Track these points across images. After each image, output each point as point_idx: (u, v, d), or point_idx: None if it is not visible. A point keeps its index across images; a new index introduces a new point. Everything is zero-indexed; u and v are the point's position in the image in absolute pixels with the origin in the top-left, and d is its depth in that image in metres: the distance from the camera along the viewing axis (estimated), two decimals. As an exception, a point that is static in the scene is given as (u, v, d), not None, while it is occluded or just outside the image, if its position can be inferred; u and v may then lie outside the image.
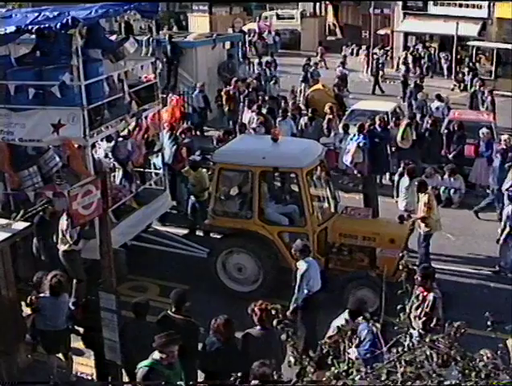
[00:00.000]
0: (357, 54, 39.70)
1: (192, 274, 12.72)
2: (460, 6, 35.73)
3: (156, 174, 14.28)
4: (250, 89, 22.89)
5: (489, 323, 4.79)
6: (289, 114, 19.60)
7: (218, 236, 12.97)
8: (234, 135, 16.94)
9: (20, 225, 9.15)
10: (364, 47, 38.05)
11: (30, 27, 11.40)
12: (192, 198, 14.51)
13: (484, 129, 17.38)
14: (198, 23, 42.01)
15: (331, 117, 19.48)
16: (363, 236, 11.84)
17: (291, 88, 26.23)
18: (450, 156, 17.60)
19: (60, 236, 11.12)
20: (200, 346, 8.43)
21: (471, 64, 32.67)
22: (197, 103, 22.22)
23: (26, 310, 9.52)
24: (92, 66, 11.83)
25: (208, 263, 12.42)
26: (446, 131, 18.50)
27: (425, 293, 9.40)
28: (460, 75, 32.71)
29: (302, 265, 10.18)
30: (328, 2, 46.43)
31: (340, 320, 8.48)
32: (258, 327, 8.13)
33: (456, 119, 18.87)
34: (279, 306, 5.24)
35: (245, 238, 12.13)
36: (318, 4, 46.46)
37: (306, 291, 10.14)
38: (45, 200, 11.84)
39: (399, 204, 14.02)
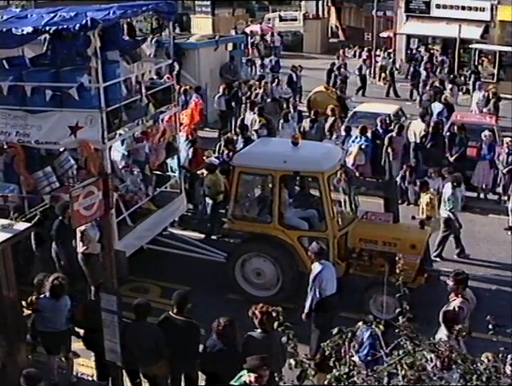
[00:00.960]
0: (360, 56, 39.36)
1: (205, 278, 12.53)
2: (463, 8, 35.57)
3: (172, 176, 13.94)
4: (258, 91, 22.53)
5: (490, 327, 4.86)
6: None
7: (233, 240, 12.78)
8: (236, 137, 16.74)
9: (21, 226, 9.01)
10: (366, 49, 37.75)
11: (47, 28, 11.10)
12: (208, 200, 14.16)
13: (486, 132, 17.22)
14: (201, 25, 41.77)
15: (333, 118, 19.31)
16: (383, 241, 11.60)
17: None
18: (452, 158, 17.37)
19: (79, 239, 10.82)
20: (200, 347, 8.33)
21: (473, 67, 32.45)
22: (218, 106, 21.86)
23: (27, 311, 9.40)
24: (109, 68, 11.56)
25: (227, 267, 12.17)
26: (448, 133, 18.31)
27: (453, 299, 9.22)
28: (462, 78, 32.44)
29: (316, 268, 10.04)
30: (330, 4, 46.14)
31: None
32: (259, 330, 8.04)
33: (458, 121, 18.72)
34: (280, 309, 5.13)
35: (265, 242, 11.89)
36: (321, 6, 46.23)
37: (318, 294, 9.97)
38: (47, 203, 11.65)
39: (441, 213, 13.74)
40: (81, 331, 9.35)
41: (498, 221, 15.73)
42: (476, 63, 32.92)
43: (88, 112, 11.25)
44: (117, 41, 12.16)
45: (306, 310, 10.06)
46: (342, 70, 29.49)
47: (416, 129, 18.29)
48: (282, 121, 19.26)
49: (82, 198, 7.74)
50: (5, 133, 11.93)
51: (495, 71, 32.38)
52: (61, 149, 12.61)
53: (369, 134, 17.48)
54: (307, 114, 21.18)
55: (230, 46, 26.41)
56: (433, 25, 36.21)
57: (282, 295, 11.68)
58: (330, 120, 19.27)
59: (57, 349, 9.39)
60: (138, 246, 12.32)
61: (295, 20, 44.63)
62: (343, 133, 18.54)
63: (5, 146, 12.42)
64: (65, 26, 11.06)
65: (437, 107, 22.07)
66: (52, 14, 11.76)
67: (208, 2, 41.73)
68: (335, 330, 4.95)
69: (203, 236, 14.18)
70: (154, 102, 12.50)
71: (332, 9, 46.73)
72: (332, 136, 18.67)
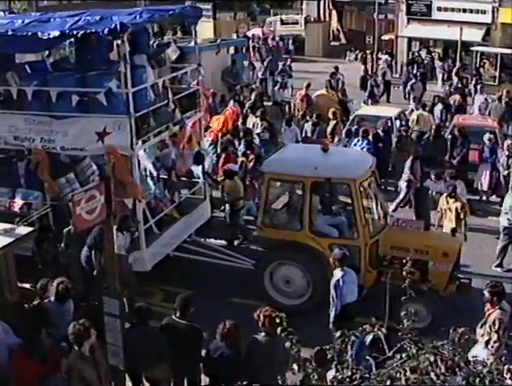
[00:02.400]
0: (362, 59, 39.09)
1: (233, 285, 12.21)
2: (464, 11, 35.31)
3: (196, 182, 13.59)
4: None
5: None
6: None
7: (258, 247, 12.43)
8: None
9: (24, 230, 8.86)
10: (368, 52, 37.48)
11: (75, 32, 10.76)
12: (227, 207, 13.87)
13: (488, 135, 17.00)
14: (202, 28, 41.34)
15: (335, 122, 19.07)
16: (415, 248, 11.29)
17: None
18: (454, 161, 17.20)
19: None
20: (203, 351, 8.21)
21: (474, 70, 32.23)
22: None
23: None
24: (136, 72, 11.21)
25: (256, 275, 11.85)
26: (450, 136, 18.12)
27: (490, 311, 8.95)
28: (464, 80, 32.18)
29: (337, 274, 9.83)
30: (332, 8, 45.83)
31: None
32: (263, 333, 7.91)
33: (460, 124, 18.47)
34: (284, 315, 4.97)
35: (295, 250, 11.55)
36: (322, 9, 45.90)
37: (340, 300, 9.78)
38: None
39: (501, 221, 13.47)
40: None
41: (499, 223, 15.22)
42: (477, 65, 32.72)
43: (116, 117, 10.94)
44: (144, 45, 11.81)
45: (331, 319, 9.80)
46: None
47: (420, 117, 18.97)
48: (284, 125, 19.03)
49: (84, 202, 7.65)
50: (28, 139, 11.62)
51: (496, 74, 32.21)
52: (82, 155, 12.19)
53: (371, 137, 17.14)
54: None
55: (232, 49, 26.13)
56: (434, 28, 35.96)
57: (311, 303, 11.39)
58: (332, 123, 19.06)
59: None
60: (164, 253, 12.03)
61: (297, 23, 44.30)
62: (344, 136, 18.27)
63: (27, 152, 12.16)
64: (93, 30, 10.77)
65: (438, 109, 21.87)
66: (76, 18, 11.45)
67: (210, 6, 41.32)
68: (338, 334, 4.88)
69: (224, 242, 13.88)
70: (180, 107, 12.12)
71: (334, 12, 46.35)
72: (333, 139, 18.42)
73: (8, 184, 12.30)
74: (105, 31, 10.57)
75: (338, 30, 46.34)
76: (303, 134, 18.68)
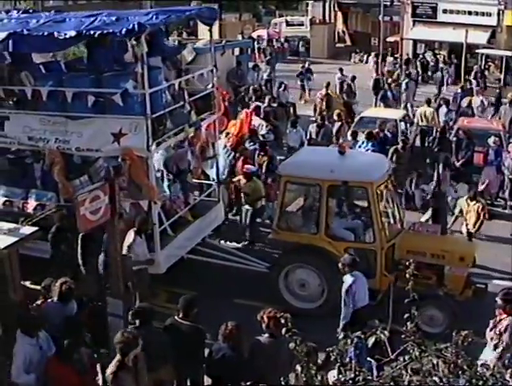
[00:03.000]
0: (367, 61, 39.05)
1: (246, 288, 12.03)
2: (470, 13, 35.29)
3: (210, 185, 13.43)
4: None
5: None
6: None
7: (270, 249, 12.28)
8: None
9: (28, 230, 8.80)
10: (373, 54, 37.34)
11: (92, 32, 10.58)
12: (247, 207, 13.74)
13: (493, 137, 16.93)
14: (207, 29, 41.19)
15: (339, 123, 18.94)
16: (432, 253, 11.17)
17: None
18: (458, 164, 17.10)
19: (125, 252, 10.28)
20: (206, 352, 8.11)
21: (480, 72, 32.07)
22: None
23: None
24: (152, 73, 11.03)
25: (270, 278, 11.71)
26: (455, 139, 18.02)
27: (502, 316, 8.78)
28: (468, 83, 32.03)
29: (348, 280, 9.68)
30: (337, 9, 45.73)
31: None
32: (266, 335, 7.80)
33: (465, 127, 18.39)
34: (289, 315, 4.90)
35: (310, 253, 11.40)
36: (327, 11, 45.80)
37: (352, 306, 9.62)
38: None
39: None
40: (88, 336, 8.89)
41: (504, 226, 15.34)
42: (482, 68, 32.59)
43: (132, 118, 10.77)
44: (160, 47, 11.66)
45: (341, 325, 9.57)
46: (339, 75, 28.37)
47: (426, 113, 19.33)
48: (289, 126, 18.88)
49: (88, 202, 7.62)
50: (43, 139, 11.45)
51: (502, 76, 32.05)
52: (96, 156, 12.03)
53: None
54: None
55: (237, 51, 25.94)
56: (440, 30, 35.90)
57: (326, 308, 11.20)
58: (337, 125, 18.91)
59: None
60: (179, 256, 11.86)
61: (302, 25, 44.13)
62: (349, 138, 18.08)
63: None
64: (111, 31, 10.58)
65: (443, 110, 21.75)
66: (92, 19, 11.31)
67: (215, 7, 41.20)
68: (341, 336, 4.83)
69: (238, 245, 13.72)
70: (196, 109, 11.97)
71: (339, 14, 46.25)
72: (338, 141, 18.11)
73: (21, 185, 12.14)
74: (123, 32, 10.41)
75: (343, 31, 46.24)
76: (308, 136, 18.51)
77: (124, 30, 10.38)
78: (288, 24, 44.22)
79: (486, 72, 32.36)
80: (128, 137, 10.77)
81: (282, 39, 41.41)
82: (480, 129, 18.41)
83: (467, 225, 13.22)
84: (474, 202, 12.99)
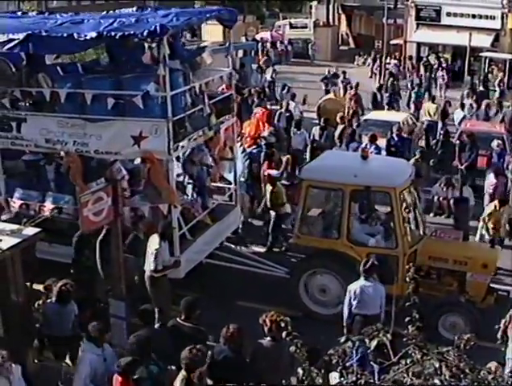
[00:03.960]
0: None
1: (266, 293, 11.74)
2: (473, 16, 35.11)
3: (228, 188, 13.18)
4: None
5: (498, 336, 5.03)
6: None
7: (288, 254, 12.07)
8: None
9: (30, 231, 8.70)
10: (370, 59, 37.16)
11: (112, 34, 10.32)
12: (271, 213, 13.52)
13: (496, 141, 16.85)
14: (211, 31, 40.93)
15: (342, 126, 18.70)
16: (454, 259, 11.00)
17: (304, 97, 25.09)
18: (462, 167, 16.94)
19: (152, 259, 10.02)
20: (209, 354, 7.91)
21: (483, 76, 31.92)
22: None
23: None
24: (173, 76, 10.77)
25: (290, 282, 11.51)
26: (458, 142, 17.92)
27: None
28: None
29: (357, 282, 9.62)
30: (341, 12, 45.54)
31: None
32: (268, 338, 7.75)
33: (469, 130, 18.31)
34: (288, 319, 4.77)
35: (332, 259, 11.19)
36: (331, 13, 45.60)
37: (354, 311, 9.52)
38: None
39: None
40: None
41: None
42: (486, 71, 32.42)
43: (153, 121, 10.52)
44: (178, 49, 11.40)
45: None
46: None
47: (430, 108, 19.99)
48: (293, 128, 18.69)
49: (91, 204, 7.58)
50: (61, 142, 11.19)
51: (505, 80, 31.84)
52: (112, 159, 11.78)
53: (378, 142, 16.77)
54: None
55: (241, 53, 25.70)
56: (443, 33, 35.72)
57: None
58: (340, 127, 18.69)
59: (64, 354, 8.93)
60: (198, 260, 11.61)
61: (306, 27, 43.81)
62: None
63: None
64: (132, 32, 10.31)
65: (459, 114, 21.56)
66: (111, 20, 11.05)
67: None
68: (343, 339, 5.20)
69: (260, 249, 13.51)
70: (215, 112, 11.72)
71: (343, 16, 46.14)
72: (341, 144, 18.07)
73: (37, 187, 11.89)
74: (145, 34, 10.16)
75: (347, 34, 46.09)
76: (312, 138, 18.31)
77: (146, 31, 10.14)
78: (292, 26, 43.92)
79: (490, 75, 32.20)
80: (148, 140, 10.52)
81: (286, 42, 41.11)
82: (483, 132, 18.33)
83: (493, 230, 12.98)
84: (502, 208, 12.65)
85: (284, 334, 4.74)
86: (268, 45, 40.12)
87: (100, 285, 10.17)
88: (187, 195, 12.10)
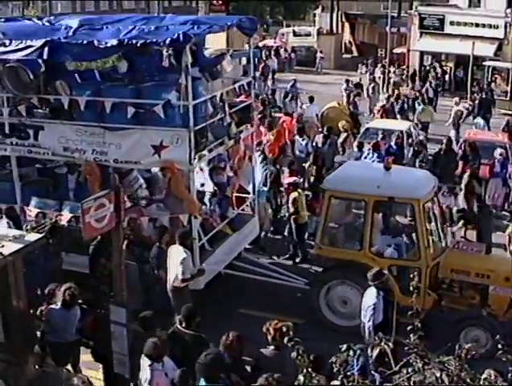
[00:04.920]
0: (373, 72, 38.60)
1: (285, 304, 11.52)
2: (477, 25, 35.00)
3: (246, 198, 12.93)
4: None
5: (499, 346, 4.64)
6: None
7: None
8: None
9: (32, 237, 8.51)
10: (380, 65, 36.97)
11: (134, 41, 10.08)
12: (291, 222, 13.30)
13: (499, 150, 16.71)
14: (214, 39, 40.71)
15: (345, 134, 18.66)
16: (476, 272, 10.77)
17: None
18: (464, 176, 16.44)
19: (180, 269, 9.76)
20: None
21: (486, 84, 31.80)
22: None
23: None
24: (194, 84, 10.50)
25: (310, 294, 11.31)
26: (461, 151, 17.84)
27: None
28: (476, 95, 31.71)
29: (373, 294, 9.40)
30: (344, 20, 45.41)
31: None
32: (272, 347, 7.60)
33: (471, 139, 18.18)
34: (291, 324, 4.55)
35: (353, 270, 10.93)
36: (335, 22, 45.44)
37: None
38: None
39: None
40: (90, 343, 9.02)
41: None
42: (489, 80, 32.31)
43: (174, 130, 10.28)
44: (199, 57, 11.15)
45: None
46: (345, 86, 28.10)
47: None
48: (297, 136, 18.52)
49: (93, 210, 7.50)
50: (79, 150, 10.95)
51: (508, 89, 31.79)
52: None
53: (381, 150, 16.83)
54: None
55: (244, 60, 25.48)
56: (447, 42, 35.60)
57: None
58: (342, 136, 18.63)
59: (65, 360, 8.92)
60: (217, 271, 11.36)
61: (309, 35, 43.73)
62: (355, 149, 17.86)
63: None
64: (154, 40, 10.07)
65: (480, 123, 21.40)
66: (130, 27, 10.81)
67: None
68: (344, 347, 4.79)
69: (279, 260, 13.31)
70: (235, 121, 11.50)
71: (346, 24, 46.02)
72: (344, 152, 18.05)
73: (54, 196, 11.63)
74: (167, 42, 9.92)
75: (350, 42, 45.96)
76: (315, 146, 18.20)
77: (168, 39, 9.90)
78: (295, 34, 43.81)
79: (493, 84, 32.07)
80: (169, 150, 10.29)
81: (289, 49, 40.94)
82: (486, 141, 18.20)
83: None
84: None
85: (286, 339, 4.84)
86: (272, 52, 39.96)
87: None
88: (206, 205, 11.81)
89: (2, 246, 7.69)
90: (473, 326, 10.37)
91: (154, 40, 10.09)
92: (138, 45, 10.11)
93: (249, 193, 12.75)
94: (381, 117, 22.66)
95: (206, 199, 11.89)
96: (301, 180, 14.00)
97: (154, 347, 7.30)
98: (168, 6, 52.52)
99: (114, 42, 10.13)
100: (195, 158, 10.33)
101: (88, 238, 8.61)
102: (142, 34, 10.44)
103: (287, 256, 13.50)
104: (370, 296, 9.43)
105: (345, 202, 11.59)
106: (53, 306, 8.77)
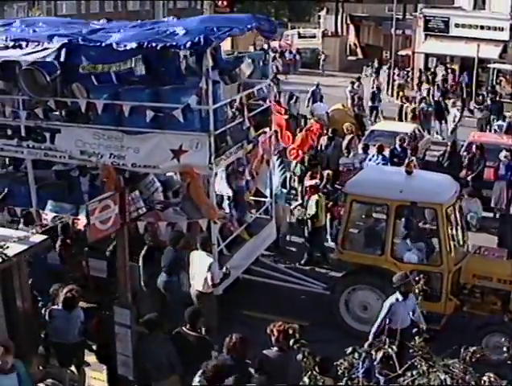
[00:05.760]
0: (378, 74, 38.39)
1: (304, 309, 11.34)
2: (482, 28, 34.68)
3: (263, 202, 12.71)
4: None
5: (504, 349, 4.86)
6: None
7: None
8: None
9: (37, 238, 8.58)
10: (385, 68, 36.74)
11: (154, 44, 9.88)
12: (309, 224, 13.11)
13: (504, 152, 16.52)
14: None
15: (350, 136, 18.42)
16: (498, 278, 10.61)
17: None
18: (469, 178, 16.63)
19: (200, 275, 9.56)
20: None
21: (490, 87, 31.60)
22: None
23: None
24: (213, 88, 10.27)
25: (331, 299, 11.12)
26: (466, 153, 17.66)
27: None
28: (480, 97, 31.52)
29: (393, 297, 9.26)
30: (349, 22, 45.19)
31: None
32: (275, 348, 7.53)
33: (476, 141, 18.06)
34: (297, 326, 4.44)
35: (374, 275, 10.76)
36: (340, 24, 45.23)
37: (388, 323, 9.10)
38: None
39: None
40: (94, 344, 9.03)
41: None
42: (494, 82, 32.09)
43: (193, 135, 10.09)
44: (219, 60, 10.94)
45: (370, 338, 8.92)
46: (350, 88, 27.81)
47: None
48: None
49: (98, 211, 7.43)
50: (97, 154, 10.75)
51: (513, 90, 31.56)
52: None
53: (386, 153, 16.55)
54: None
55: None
56: (452, 44, 35.27)
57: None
58: (347, 138, 18.43)
59: (69, 361, 8.93)
60: (235, 276, 11.14)
61: (314, 37, 43.42)
62: (360, 151, 17.67)
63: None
64: (174, 44, 9.86)
65: (503, 125, 21.29)
66: (148, 29, 10.59)
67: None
68: (349, 350, 4.77)
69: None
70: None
71: (351, 26, 45.79)
72: (349, 154, 17.81)
73: (69, 199, 11.42)
74: (188, 45, 9.71)
75: (355, 44, 45.71)
76: (319, 148, 17.94)
77: (189, 43, 9.70)
78: (300, 36, 43.51)
79: (497, 87, 31.88)
80: (189, 154, 10.10)
81: (294, 51, 40.68)
82: (491, 143, 18.02)
83: None
84: None
85: (292, 341, 4.87)
86: (276, 55, 39.68)
87: (141, 302, 9.74)
88: (224, 209, 11.60)
89: (7, 247, 7.69)
90: (495, 332, 10.17)
91: (175, 43, 9.89)
92: (158, 48, 9.90)
93: (266, 197, 12.52)
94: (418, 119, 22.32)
95: (224, 204, 11.66)
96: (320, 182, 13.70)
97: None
98: (173, 7, 52.33)
99: (134, 44, 9.95)
100: (214, 163, 10.12)
101: (92, 240, 8.44)
102: (160, 36, 10.24)
103: (303, 261, 13.29)
104: (391, 299, 9.31)
105: (367, 206, 11.39)
106: (55, 307, 8.74)
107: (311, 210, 12.92)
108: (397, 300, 9.22)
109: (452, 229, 10.86)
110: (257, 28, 11.21)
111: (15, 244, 7.94)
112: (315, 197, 13.01)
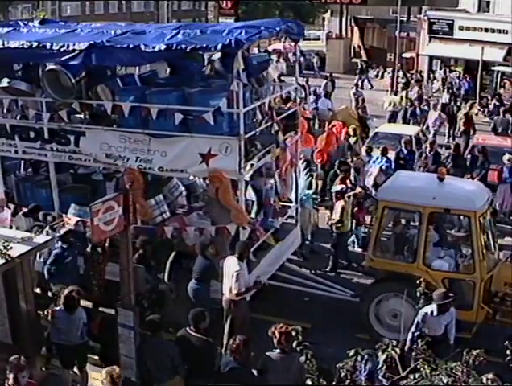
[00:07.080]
0: (382, 76, 38.21)
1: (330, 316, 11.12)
2: (486, 30, 34.55)
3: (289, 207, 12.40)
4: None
5: (508, 352, 4.53)
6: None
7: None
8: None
9: (41, 239, 8.62)
10: (389, 70, 36.48)
11: (183, 46, 9.56)
12: (334, 229, 12.84)
13: (507, 155, 16.28)
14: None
15: (354, 139, 18.23)
16: None
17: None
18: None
19: (234, 281, 9.24)
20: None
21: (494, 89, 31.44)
22: None
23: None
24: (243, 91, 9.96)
25: (361, 306, 10.85)
26: (469, 156, 17.51)
27: None
28: (484, 100, 31.32)
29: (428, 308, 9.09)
30: (353, 24, 44.88)
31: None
32: (278, 350, 7.50)
33: (480, 144, 17.84)
34: (300, 328, 4.52)
35: (406, 283, 10.35)
36: (344, 26, 44.93)
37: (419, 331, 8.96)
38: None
39: None
40: (97, 346, 9.04)
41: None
42: (498, 85, 31.91)
43: (224, 138, 9.76)
44: (248, 63, 10.62)
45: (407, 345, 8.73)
46: (354, 90, 27.64)
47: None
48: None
49: (102, 213, 7.37)
50: (122, 157, 10.47)
51: (517, 93, 31.37)
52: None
53: (389, 155, 16.35)
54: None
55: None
56: (456, 46, 35.16)
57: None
58: (351, 140, 18.20)
59: (72, 362, 8.84)
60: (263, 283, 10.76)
61: (318, 39, 43.19)
62: (364, 153, 17.40)
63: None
64: (204, 46, 9.55)
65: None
66: (174, 31, 10.28)
67: (232, 20, 40.30)
68: (351, 352, 4.68)
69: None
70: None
71: (355, 29, 45.47)
72: (352, 156, 17.37)
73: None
74: (219, 47, 9.40)
75: (359, 46, 45.40)
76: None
77: (220, 45, 9.39)
78: (304, 38, 43.12)
79: (502, 90, 31.69)
80: (218, 158, 9.81)
81: (298, 53, 40.34)
82: (494, 146, 17.81)
83: None
84: None
85: (295, 343, 4.57)
86: (281, 56, 39.38)
87: (170, 308, 9.46)
88: (250, 214, 11.30)
89: (11, 248, 7.65)
90: None
91: (205, 45, 9.59)
92: (188, 50, 9.59)
93: (291, 202, 12.21)
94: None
95: (252, 210, 11.37)
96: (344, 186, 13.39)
97: None
98: (177, 9, 52.00)
99: (163, 46, 9.64)
100: (244, 167, 9.81)
101: (96, 241, 8.65)
102: (188, 38, 9.95)
103: (328, 268, 13.00)
104: (426, 309, 9.08)
105: (398, 213, 11.09)
106: (57, 308, 8.64)
107: (336, 215, 12.63)
108: (431, 313, 9.05)
109: (484, 236, 10.57)
110: (285, 31, 10.89)
111: (19, 244, 7.94)
112: (341, 203, 12.76)
